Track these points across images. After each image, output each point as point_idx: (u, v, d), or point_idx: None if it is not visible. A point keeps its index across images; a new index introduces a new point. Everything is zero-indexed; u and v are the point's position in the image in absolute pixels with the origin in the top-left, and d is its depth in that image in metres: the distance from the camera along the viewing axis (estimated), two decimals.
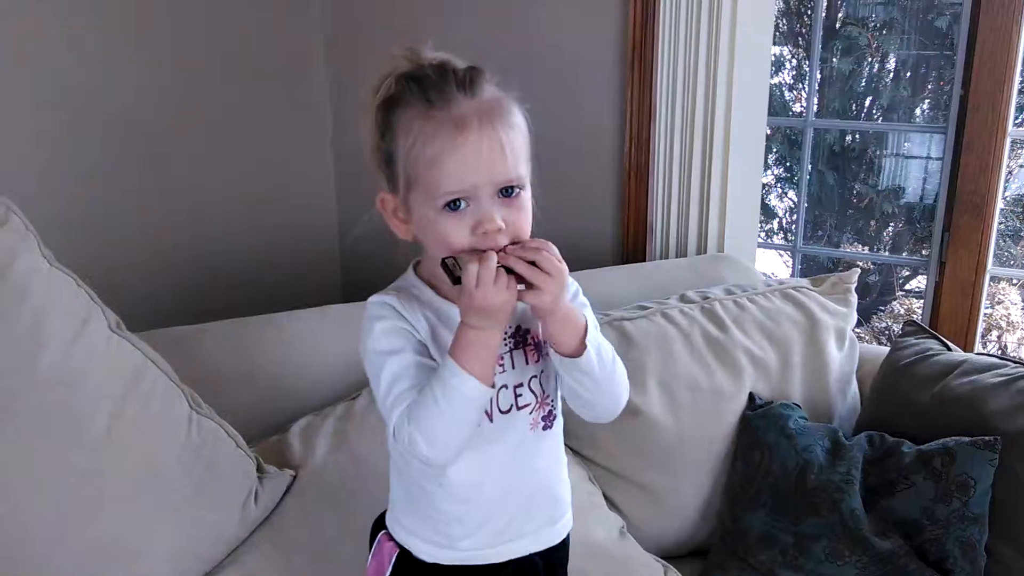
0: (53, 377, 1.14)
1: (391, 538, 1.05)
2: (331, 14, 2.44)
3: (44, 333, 1.14)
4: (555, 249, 0.90)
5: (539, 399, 1.01)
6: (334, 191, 2.57)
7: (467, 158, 0.87)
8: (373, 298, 0.96)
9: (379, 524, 1.10)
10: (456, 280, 0.88)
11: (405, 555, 1.04)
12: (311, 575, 1.29)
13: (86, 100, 1.93)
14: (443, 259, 0.90)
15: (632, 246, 2.17)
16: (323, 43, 2.47)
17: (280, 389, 1.50)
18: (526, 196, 0.93)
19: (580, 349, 0.93)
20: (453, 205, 0.89)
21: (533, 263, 0.87)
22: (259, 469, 1.33)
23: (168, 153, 2.13)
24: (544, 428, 1.02)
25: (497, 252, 0.88)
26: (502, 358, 0.97)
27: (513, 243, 0.90)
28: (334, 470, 1.37)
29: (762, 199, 2.19)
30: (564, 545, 1.11)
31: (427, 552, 1.02)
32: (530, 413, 1.00)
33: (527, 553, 1.05)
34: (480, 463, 0.98)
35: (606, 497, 1.56)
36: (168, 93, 2.10)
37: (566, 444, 1.57)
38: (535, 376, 1.00)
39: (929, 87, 3.08)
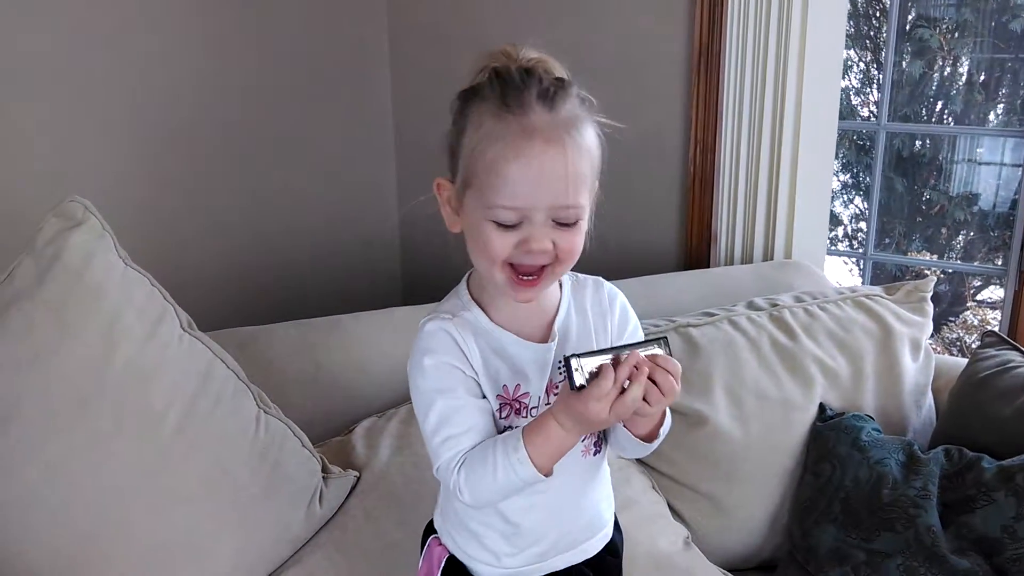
0: (127, 375, 1.16)
1: (441, 542, 1.05)
2: (396, 19, 2.46)
3: (119, 331, 1.16)
4: (679, 370, 0.87)
5: None
6: (395, 195, 2.58)
7: (526, 173, 0.84)
8: (429, 325, 0.92)
9: (430, 527, 1.09)
10: (574, 385, 0.83)
11: (454, 560, 1.03)
12: None
13: (157, 106, 1.97)
14: (565, 359, 0.84)
15: (696, 252, 2.13)
16: (387, 48, 2.49)
17: (344, 390, 1.51)
18: (582, 222, 0.89)
19: (653, 435, 0.95)
20: (503, 221, 0.86)
21: (653, 380, 0.85)
22: (324, 469, 1.33)
23: (235, 158, 2.16)
24: (595, 454, 1.01)
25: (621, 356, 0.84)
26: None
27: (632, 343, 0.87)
28: (397, 472, 1.37)
29: None
30: (614, 552, 1.09)
31: (470, 567, 1.02)
32: (583, 441, 0.98)
33: (569, 565, 1.03)
34: (534, 490, 0.94)
35: (670, 507, 1.53)
36: (234, 100, 2.14)
37: None
38: None
39: (1004, 91, 2.99)
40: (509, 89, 0.85)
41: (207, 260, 2.12)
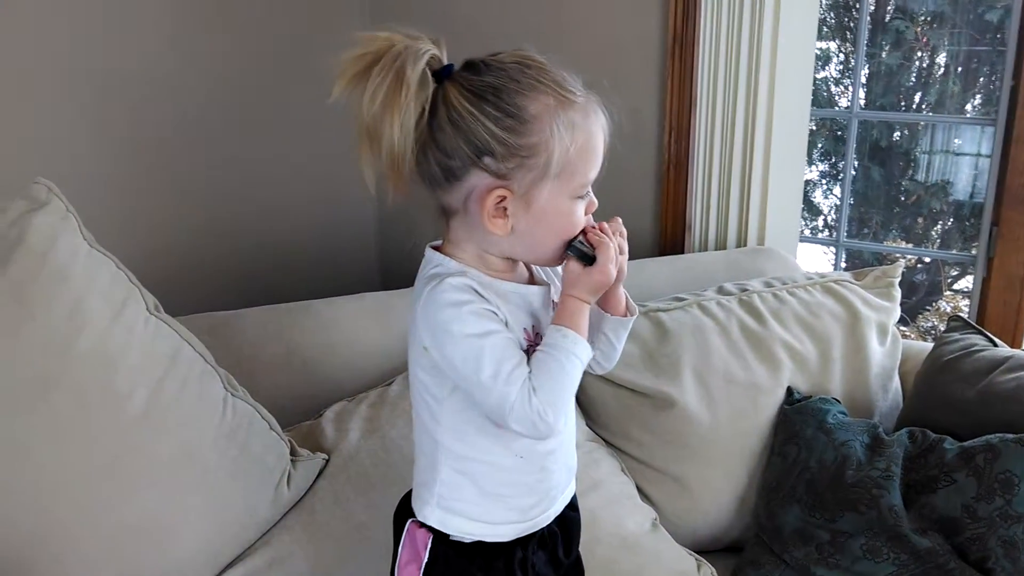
0: (91, 358, 1.16)
1: (421, 525, 1.05)
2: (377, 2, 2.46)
3: (83, 314, 1.16)
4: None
5: None
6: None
7: (601, 143, 0.97)
8: (452, 280, 0.94)
9: (404, 513, 1.09)
10: (590, 260, 0.96)
11: (440, 540, 1.04)
12: (342, 558, 1.30)
13: (128, 86, 1.96)
14: (572, 243, 0.97)
15: (670, 238, 2.14)
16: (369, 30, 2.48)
17: (315, 374, 1.51)
18: None
19: (629, 308, 1.07)
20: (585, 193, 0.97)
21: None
22: (292, 452, 1.34)
23: (208, 141, 2.15)
24: None
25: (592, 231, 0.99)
26: None
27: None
28: (366, 455, 1.38)
29: (807, 196, 2.15)
30: (577, 514, 1.15)
31: (490, 533, 1.03)
32: None
33: (560, 511, 1.08)
34: None
35: (639, 489, 1.54)
36: (210, 81, 2.13)
37: (599, 435, 1.57)
38: None
39: (980, 82, 3.01)
40: (553, 76, 0.95)
41: (179, 247, 2.11)
